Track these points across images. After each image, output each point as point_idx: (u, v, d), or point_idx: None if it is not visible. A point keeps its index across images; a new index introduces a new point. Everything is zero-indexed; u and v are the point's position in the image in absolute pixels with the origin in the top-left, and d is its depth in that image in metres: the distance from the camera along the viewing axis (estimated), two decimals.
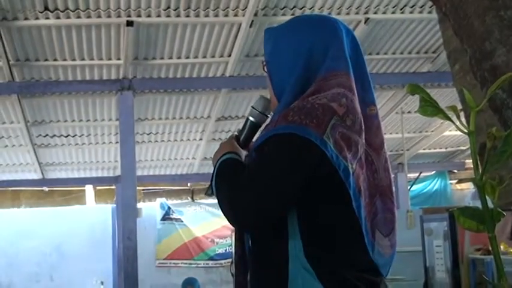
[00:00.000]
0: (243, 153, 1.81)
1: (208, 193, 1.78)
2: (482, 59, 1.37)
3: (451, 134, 10.22)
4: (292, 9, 6.39)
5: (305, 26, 1.77)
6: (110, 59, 7.05)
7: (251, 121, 1.85)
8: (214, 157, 1.80)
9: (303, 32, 1.75)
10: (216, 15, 6.41)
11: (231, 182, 1.65)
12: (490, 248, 1.34)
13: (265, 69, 1.81)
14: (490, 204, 1.22)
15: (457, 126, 1.23)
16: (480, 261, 5.33)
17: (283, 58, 1.75)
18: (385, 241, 1.70)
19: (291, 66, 1.72)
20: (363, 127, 1.66)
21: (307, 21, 1.82)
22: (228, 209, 1.63)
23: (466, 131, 1.19)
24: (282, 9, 6.39)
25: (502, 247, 5.16)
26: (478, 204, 1.22)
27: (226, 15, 6.42)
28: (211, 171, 1.78)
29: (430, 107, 1.26)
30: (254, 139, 1.83)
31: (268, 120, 1.79)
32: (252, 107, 1.86)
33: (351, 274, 1.61)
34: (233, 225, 1.66)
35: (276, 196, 1.58)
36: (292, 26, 1.80)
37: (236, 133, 1.88)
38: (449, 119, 1.25)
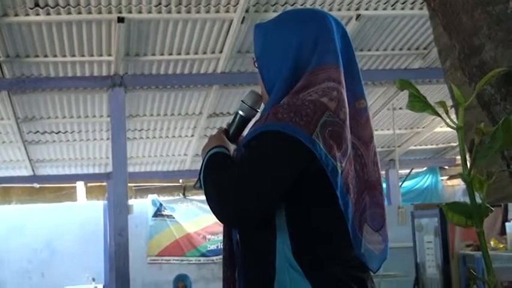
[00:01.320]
0: (232, 147, 1.80)
1: (196, 186, 1.77)
2: (470, 55, 1.38)
3: (442, 130, 10.25)
4: (283, 5, 6.38)
5: (294, 21, 1.76)
6: (101, 55, 7.02)
7: (240, 115, 1.84)
8: (203, 150, 1.79)
9: (292, 26, 1.74)
10: (208, 12, 6.39)
11: (219, 177, 1.64)
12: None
13: (256, 65, 1.81)
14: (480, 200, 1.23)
15: (445, 122, 1.24)
16: (470, 257, 5.35)
17: (273, 54, 1.74)
18: (375, 236, 1.69)
19: (281, 61, 1.71)
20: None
21: (296, 15, 1.80)
22: (215, 205, 1.62)
23: (454, 126, 1.20)
24: (273, 5, 6.39)
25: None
26: (468, 200, 1.23)
27: (217, 12, 6.41)
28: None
29: (418, 103, 1.27)
30: (243, 133, 1.82)
31: (258, 115, 1.78)
32: (242, 101, 1.85)
33: (338, 271, 1.61)
34: (220, 221, 1.65)
35: (263, 194, 1.57)
36: (282, 21, 1.79)
37: (225, 126, 1.87)
38: (437, 114, 1.26)
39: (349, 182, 1.62)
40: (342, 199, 1.60)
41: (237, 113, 1.86)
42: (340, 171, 1.58)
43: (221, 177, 1.62)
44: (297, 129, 1.55)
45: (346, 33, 1.78)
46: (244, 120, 1.84)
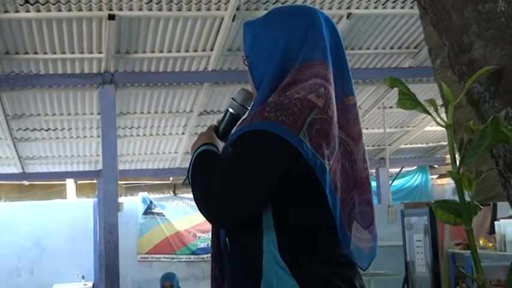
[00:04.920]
0: (221, 144, 1.80)
1: (185, 183, 1.76)
2: (460, 53, 1.38)
3: (432, 129, 10.29)
4: (274, 3, 6.38)
5: (282, 18, 1.76)
6: (91, 52, 7.00)
7: (230, 113, 1.84)
8: (192, 147, 1.79)
9: (280, 23, 1.74)
10: (199, 9, 6.38)
11: (205, 176, 1.63)
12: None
13: (246, 63, 1.81)
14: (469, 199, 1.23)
15: (435, 120, 1.24)
16: (460, 256, 5.37)
17: (261, 51, 1.74)
18: (365, 234, 1.68)
19: (269, 58, 1.71)
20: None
21: (284, 12, 1.80)
22: (201, 204, 1.62)
23: (444, 124, 1.20)
24: (264, 3, 6.38)
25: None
26: (458, 198, 1.23)
27: (208, 9, 6.40)
28: None
29: (408, 100, 1.27)
30: (233, 131, 1.82)
31: (246, 113, 1.78)
32: (232, 98, 1.85)
33: (324, 269, 1.60)
34: (206, 219, 1.64)
35: (249, 193, 1.57)
36: (270, 18, 1.79)
37: (216, 124, 1.87)
38: (427, 112, 1.26)
39: (337, 179, 1.61)
40: (331, 197, 1.59)
41: (227, 111, 1.85)
42: (328, 169, 1.57)
43: (208, 176, 1.62)
44: (283, 128, 1.54)
45: (335, 30, 1.77)
46: (234, 118, 1.84)
